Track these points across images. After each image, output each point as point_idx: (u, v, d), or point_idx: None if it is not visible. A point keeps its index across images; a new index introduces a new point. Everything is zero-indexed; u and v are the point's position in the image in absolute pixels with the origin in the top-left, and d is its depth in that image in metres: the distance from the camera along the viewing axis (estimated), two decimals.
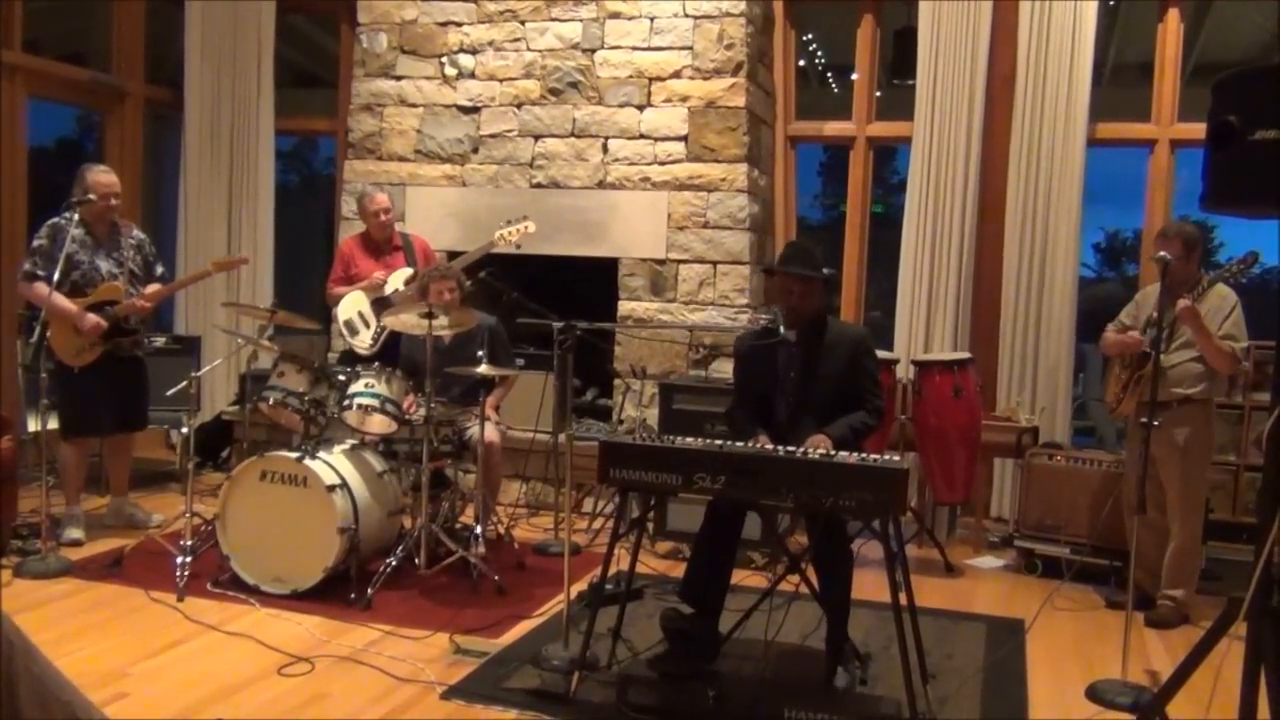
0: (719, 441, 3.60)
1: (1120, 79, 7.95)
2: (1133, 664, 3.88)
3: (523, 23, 6.59)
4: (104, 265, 5.19)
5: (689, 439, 3.64)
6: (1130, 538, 4.12)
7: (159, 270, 5.45)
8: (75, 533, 5.22)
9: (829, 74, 8.51)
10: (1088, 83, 5.99)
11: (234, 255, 6.77)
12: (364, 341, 5.75)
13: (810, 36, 7.57)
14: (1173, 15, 6.16)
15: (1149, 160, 6.26)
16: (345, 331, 5.81)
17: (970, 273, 6.24)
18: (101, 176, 5.16)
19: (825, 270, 3.97)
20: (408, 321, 4.82)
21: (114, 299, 5.13)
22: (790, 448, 3.53)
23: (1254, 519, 5.16)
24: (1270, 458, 2.66)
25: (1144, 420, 3.98)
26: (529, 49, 6.58)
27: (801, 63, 7.31)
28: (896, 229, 6.42)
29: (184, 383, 4.77)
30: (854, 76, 6.78)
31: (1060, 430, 6.06)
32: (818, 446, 3.64)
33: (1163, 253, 4.10)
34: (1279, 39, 7.44)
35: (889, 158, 8.21)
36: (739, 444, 3.61)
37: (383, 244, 5.95)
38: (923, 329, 6.28)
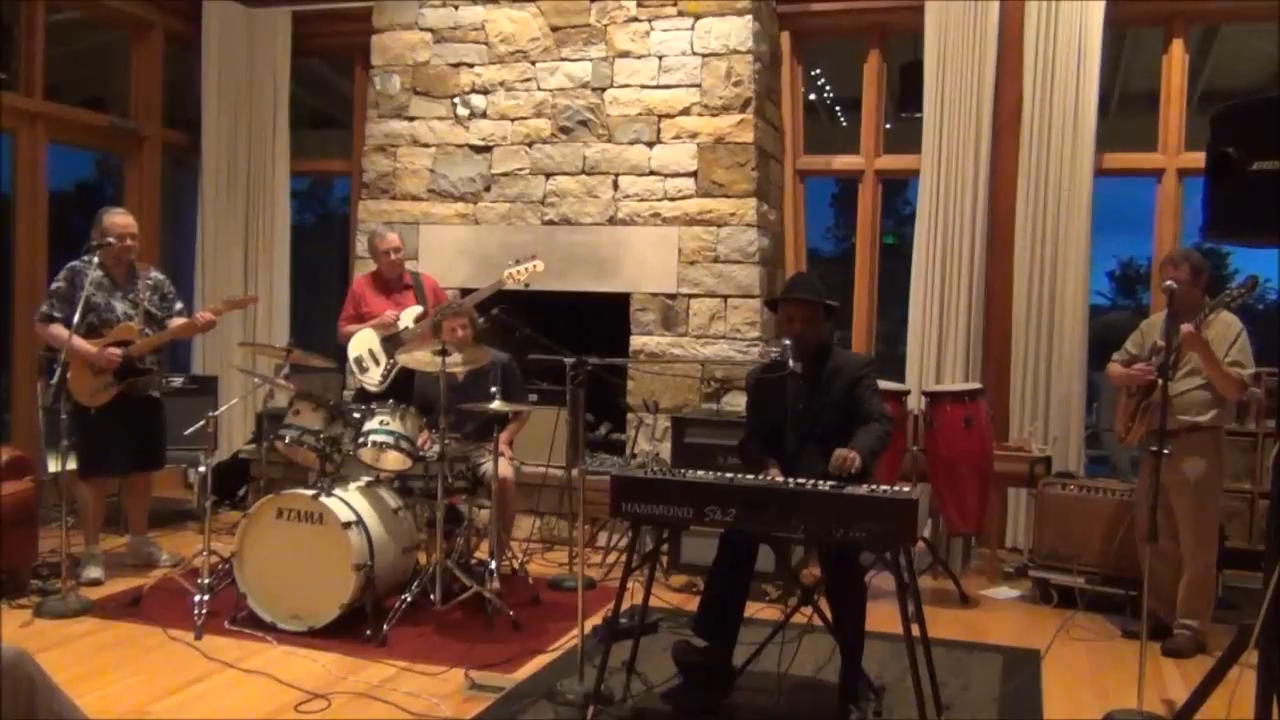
0: (729, 474, 3.62)
1: (1127, 109, 8.00)
2: (1149, 694, 3.86)
3: (533, 63, 6.68)
4: (120, 306, 5.27)
5: (700, 472, 3.67)
6: (1143, 567, 4.12)
7: (178, 307, 5.52)
8: (94, 572, 5.26)
9: (837, 108, 8.58)
10: (1094, 113, 6.03)
11: (245, 294, 6.84)
12: (374, 378, 5.80)
13: (817, 71, 7.65)
14: (1178, 45, 6.21)
15: (1157, 189, 6.29)
16: (355, 369, 5.86)
17: (981, 303, 6.25)
18: (117, 218, 5.25)
19: (828, 300, 4.00)
20: (421, 359, 4.86)
21: (129, 339, 5.20)
22: (800, 479, 3.55)
23: None
24: (1276, 484, 2.68)
25: (1153, 449, 3.98)
26: (539, 88, 6.67)
27: (812, 97, 7.38)
28: (909, 260, 6.45)
29: (201, 422, 4.83)
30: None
31: (1073, 459, 6.05)
32: (848, 460, 3.61)
33: (1169, 281, 4.13)
34: None
35: (901, 189, 8.25)
36: (749, 476, 3.64)
37: (393, 282, 6.01)
38: (934, 360, 6.30)
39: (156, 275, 5.50)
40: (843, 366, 3.97)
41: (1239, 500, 5.65)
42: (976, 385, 5.71)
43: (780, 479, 3.63)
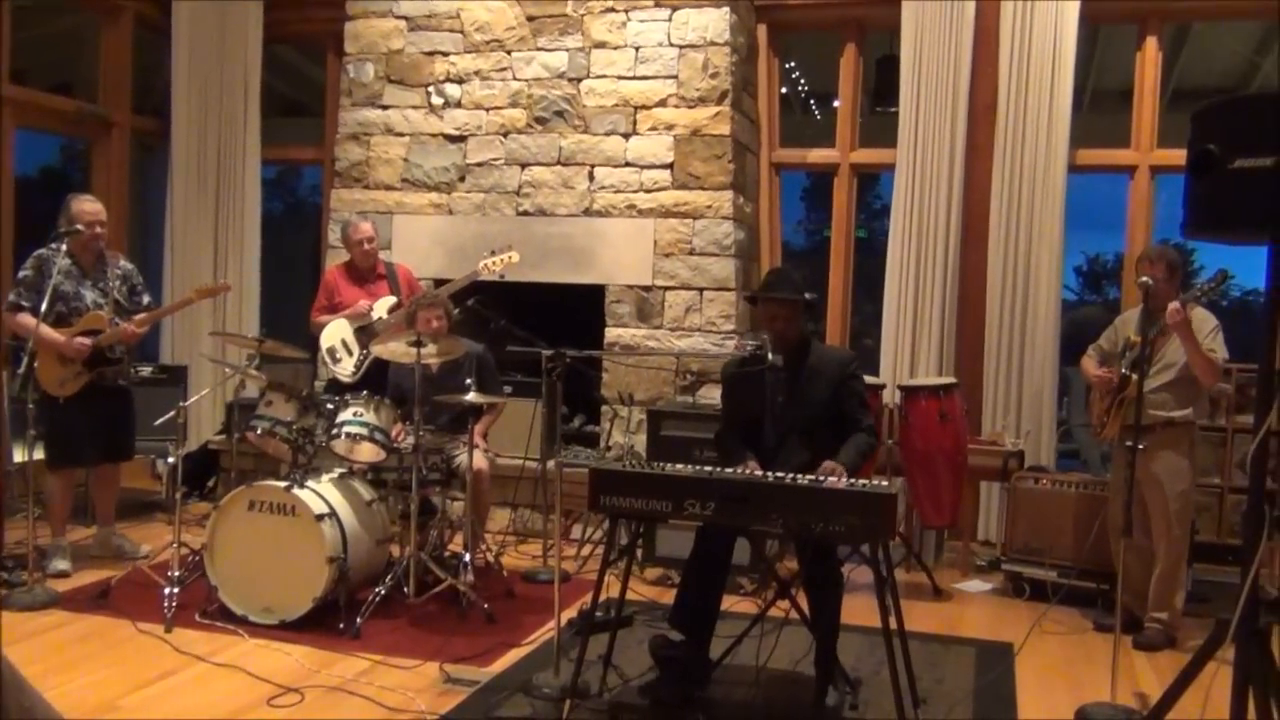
0: (709, 468, 3.61)
1: (1100, 105, 8.06)
2: (1121, 686, 3.89)
3: (509, 52, 6.64)
4: (89, 295, 5.19)
5: (679, 465, 3.65)
6: (1117, 561, 4.15)
7: (145, 300, 5.44)
8: (62, 564, 5.18)
9: (812, 101, 8.59)
10: (1068, 109, 6.06)
11: (217, 282, 6.76)
12: (346, 369, 5.75)
13: (793, 64, 7.65)
14: (1151, 42, 6.25)
15: (1129, 186, 6.33)
16: (328, 359, 5.81)
17: (954, 298, 6.28)
18: (86, 205, 5.17)
19: (807, 294, 3.99)
20: (396, 350, 4.83)
21: (98, 328, 5.13)
22: (779, 473, 3.54)
23: (1239, 541, 5.19)
24: (1254, 480, 2.70)
25: (1128, 443, 4.01)
26: (515, 78, 6.63)
27: (784, 90, 7.38)
28: (880, 254, 6.47)
29: (171, 413, 4.75)
30: (836, 104, 6.85)
31: (1045, 454, 6.10)
32: (832, 473, 3.59)
33: (1145, 277, 4.15)
34: (1255, 65, 7.57)
35: (871, 183, 8.29)
36: (728, 470, 3.63)
37: (366, 273, 5.96)
38: (908, 354, 6.32)
39: (126, 265, 5.42)
40: (824, 362, 3.96)
41: (1209, 495, 5.71)
42: (951, 380, 5.73)
43: (759, 473, 3.62)
